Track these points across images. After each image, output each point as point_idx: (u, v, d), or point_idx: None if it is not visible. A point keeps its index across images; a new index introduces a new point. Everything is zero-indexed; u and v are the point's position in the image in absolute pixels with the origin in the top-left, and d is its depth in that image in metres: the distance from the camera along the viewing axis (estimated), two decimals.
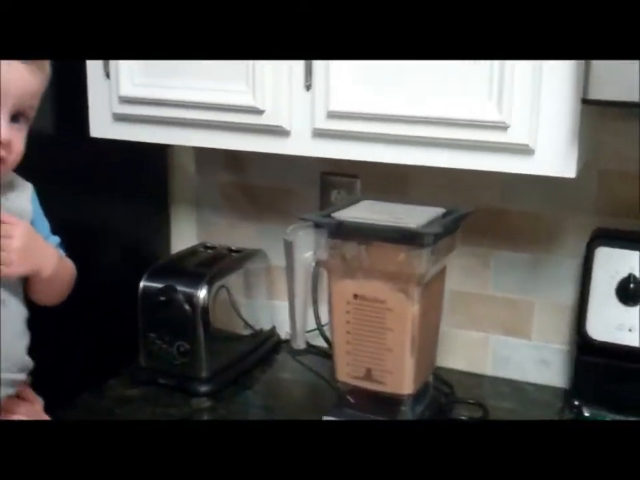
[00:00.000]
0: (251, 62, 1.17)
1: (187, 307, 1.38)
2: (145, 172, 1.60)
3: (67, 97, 1.31)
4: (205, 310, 1.39)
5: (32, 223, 1.09)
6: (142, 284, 1.42)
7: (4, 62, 0.95)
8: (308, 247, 1.03)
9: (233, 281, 1.49)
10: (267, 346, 1.58)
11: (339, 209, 1.09)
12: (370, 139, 1.15)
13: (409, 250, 0.98)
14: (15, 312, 1.05)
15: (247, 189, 1.62)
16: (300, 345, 1.08)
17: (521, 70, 1.04)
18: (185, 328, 1.39)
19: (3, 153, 0.97)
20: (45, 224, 1.12)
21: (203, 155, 1.64)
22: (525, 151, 1.07)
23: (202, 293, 1.38)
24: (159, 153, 1.61)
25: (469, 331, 1.50)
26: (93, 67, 1.30)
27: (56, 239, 1.14)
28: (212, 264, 1.47)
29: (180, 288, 1.39)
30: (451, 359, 1.51)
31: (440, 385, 1.39)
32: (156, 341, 1.41)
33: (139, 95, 1.26)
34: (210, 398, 1.40)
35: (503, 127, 1.06)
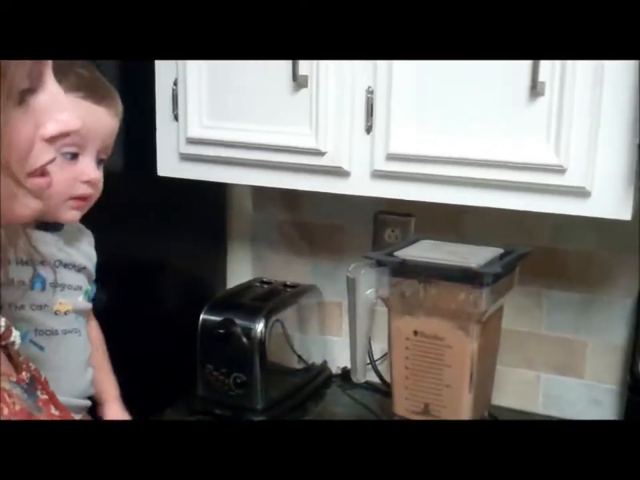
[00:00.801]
0: (314, 105, 1.22)
1: (244, 339, 1.42)
2: (204, 209, 1.66)
3: (136, 138, 1.38)
4: (262, 343, 1.43)
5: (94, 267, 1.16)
6: (202, 317, 1.46)
7: (87, 106, 1.01)
8: (370, 285, 1.07)
9: (288, 315, 1.53)
10: (319, 380, 1.61)
11: (398, 248, 1.13)
12: (428, 180, 1.19)
13: (470, 289, 1.01)
14: (85, 343, 1.11)
15: (302, 226, 1.67)
16: (360, 378, 1.12)
17: (578, 114, 1.07)
18: (242, 360, 1.43)
19: (92, 191, 1.04)
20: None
21: (260, 193, 1.69)
22: (581, 193, 1.10)
23: (259, 327, 1.43)
24: (218, 190, 1.67)
25: (521, 369, 1.51)
26: (162, 109, 1.36)
27: (94, 288, 1.20)
28: (268, 298, 1.52)
29: (238, 321, 1.44)
30: (502, 396, 1.52)
31: None
32: (213, 372, 1.45)
33: (206, 137, 1.32)
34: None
35: (560, 170, 1.09)
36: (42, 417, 0.73)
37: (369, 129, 1.22)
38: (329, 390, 1.62)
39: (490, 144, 1.13)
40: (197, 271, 1.68)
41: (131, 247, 1.42)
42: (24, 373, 0.74)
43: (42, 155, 0.62)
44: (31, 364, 0.80)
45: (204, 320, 1.46)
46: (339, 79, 1.21)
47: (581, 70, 1.06)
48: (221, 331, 1.43)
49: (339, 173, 1.25)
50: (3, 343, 0.72)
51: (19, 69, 0.60)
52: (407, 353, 1.10)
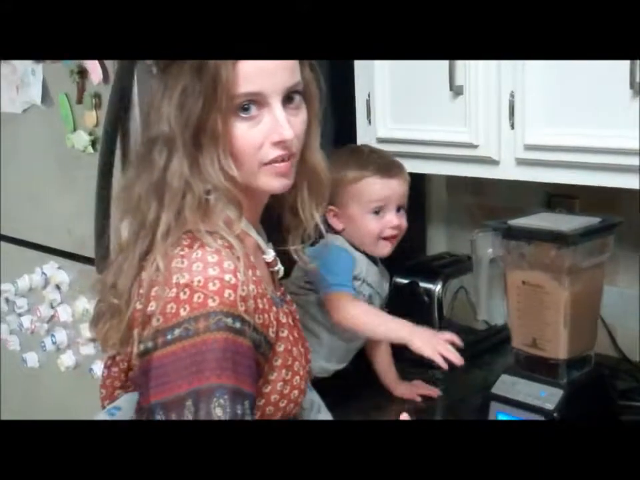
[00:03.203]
0: (468, 108, 1.54)
1: (425, 298, 1.78)
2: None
3: (342, 137, 1.78)
4: (439, 301, 1.77)
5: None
6: (394, 279, 1.84)
7: (384, 181, 1.51)
8: (487, 245, 1.38)
9: (469, 281, 1.84)
10: (498, 337, 1.90)
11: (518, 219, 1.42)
12: (554, 165, 1.45)
13: (558, 247, 1.28)
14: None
15: (486, 208, 1.96)
16: (483, 315, 1.42)
17: None
18: (423, 314, 1.78)
19: (396, 232, 1.56)
20: None
21: (452, 181, 2.02)
22: None
23: (437, 288, 1.77)
24: (419, 178, 2.03)
25: None
26: (361, 114, 1.75)
27: None
28: (449, 266, 1.85)
29: (422, 284, 1.79)
30: None
31: None
32: None
33: (390, 136, 1.69)
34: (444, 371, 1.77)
35: None
36: (284, 319, 1.08)
37: (512, 125, 1.50)
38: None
39: (597, 134, 1.36)
40: (401, 246, 2.04)
41: None
42: (279, 293, 1.14)
43: (271, 152, 1.02)
44: (292, 304, 1.19)
45: (395, 281, 1.84)
46: (487, 87, 1.51)
47: None
48: (407, 290, 1.80)
49: (489, 161, 1.55)
50: (270, 269, 1.14)
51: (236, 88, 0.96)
52: (518, 299, 1.38)
